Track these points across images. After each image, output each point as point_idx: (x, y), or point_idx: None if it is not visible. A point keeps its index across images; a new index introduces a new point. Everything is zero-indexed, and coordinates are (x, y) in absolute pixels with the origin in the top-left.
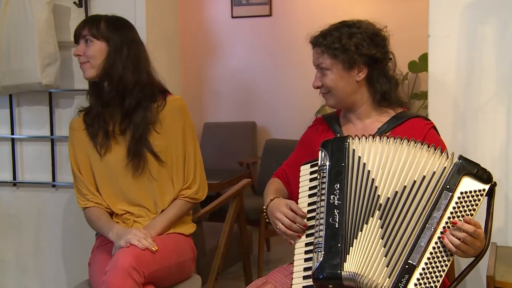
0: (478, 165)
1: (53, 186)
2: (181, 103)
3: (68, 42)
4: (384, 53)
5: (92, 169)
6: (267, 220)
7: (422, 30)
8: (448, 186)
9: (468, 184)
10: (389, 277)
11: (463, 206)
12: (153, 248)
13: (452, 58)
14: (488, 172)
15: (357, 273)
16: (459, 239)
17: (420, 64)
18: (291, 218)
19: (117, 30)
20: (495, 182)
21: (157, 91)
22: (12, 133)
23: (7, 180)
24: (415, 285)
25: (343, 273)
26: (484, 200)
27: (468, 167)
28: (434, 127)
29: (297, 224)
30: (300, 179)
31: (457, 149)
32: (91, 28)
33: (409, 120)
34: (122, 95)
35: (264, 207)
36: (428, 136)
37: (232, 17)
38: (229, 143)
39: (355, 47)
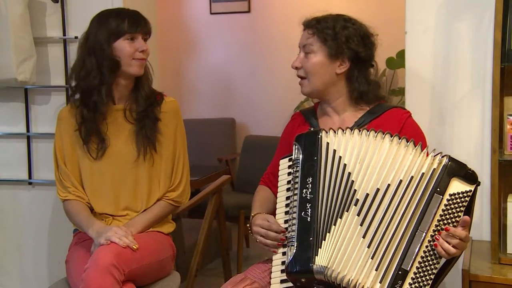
0: (466, 166)
1: (30, 183)
2: (176, 105)
3: (44, 38)
4: (369, 55)
5: (78, 162)
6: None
7: (399, 27)
8: (438, 189)
9: (456, 186)
10: (380, 283)
11: (451, 209)
12: (133, 247)
13: (429, 54)
14: (474, 172)
15: (327, 267)
16: (453, 246)
17: (398, 61)
18: (266, 227)
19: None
20: (479, 182)
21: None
22: None
23: None
24: None
25: (314, 266)
26: None
27: (457, 169)
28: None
29: (273, 230)
30: (279, 173)
31: (434, 143)
32: (149, 26)
33: (386, 111)
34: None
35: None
36: (407, 125)
37: (211, 13)
38: (208, 140)
39: (346, 39)
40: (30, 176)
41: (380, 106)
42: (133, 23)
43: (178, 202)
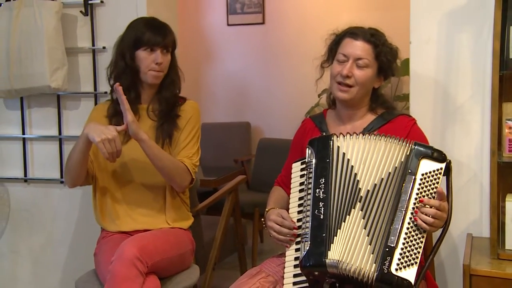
0: (432, 147)
1: (61, 182)
2: (197, 105)
3: (75, 48)
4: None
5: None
6: (266, 228)
7: (404, 37)
8: (409, 170)
9: (426, 165)
10: (375, 263)
11: (426, 186)
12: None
13: (432, 62)
14: (443, 152)
15: (339, 260)
16: (430, 216)
17: (402, 69)
18: (279, 223)
19: (174, 39)
20: (449, 160)
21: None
22: (23, 133)
23: (18, 177)
24: (397, 264)
25: (327, 260)
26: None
27: (424, 151)
28: (416, 124)
29: (286, 227)
30: (292, 176)
31: (436, 146)
32: (169, 39)
33: (394, 119)
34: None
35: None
36: (412, 131)
37: (228, 24)
38: (225, 142)
39: (390, 59)
40: (62, 176)
41: (387, 113)
42: (152, 37)
43: (194, 166)
